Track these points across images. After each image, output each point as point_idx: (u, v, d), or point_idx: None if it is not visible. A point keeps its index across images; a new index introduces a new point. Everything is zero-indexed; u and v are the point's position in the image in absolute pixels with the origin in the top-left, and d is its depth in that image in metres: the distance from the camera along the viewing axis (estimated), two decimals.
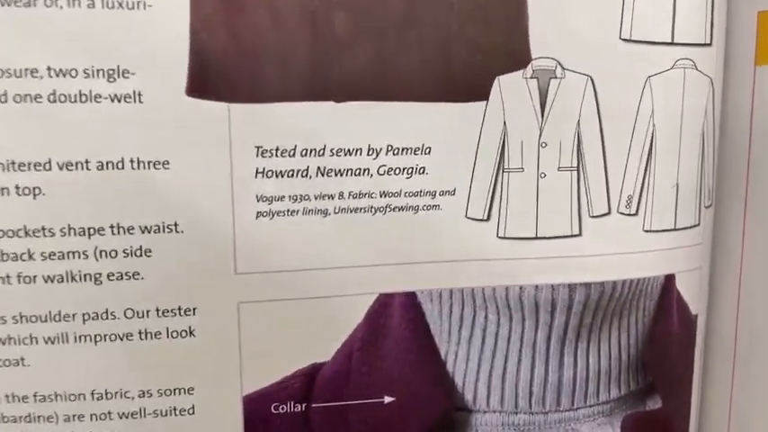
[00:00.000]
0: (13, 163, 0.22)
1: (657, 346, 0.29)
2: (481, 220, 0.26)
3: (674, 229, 0.28)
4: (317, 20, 0.23)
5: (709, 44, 0.28)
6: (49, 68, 0.22)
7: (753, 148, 0.29)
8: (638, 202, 0.27)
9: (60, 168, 0.22)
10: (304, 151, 0.24)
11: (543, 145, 0.26)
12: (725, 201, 0.30)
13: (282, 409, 0.26)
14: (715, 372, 0.31)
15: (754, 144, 0.29)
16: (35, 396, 0.23)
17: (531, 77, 0.25)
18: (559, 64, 0.26)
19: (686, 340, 0.30)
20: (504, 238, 0.26)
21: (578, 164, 0.27)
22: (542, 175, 0.26)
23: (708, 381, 0.31)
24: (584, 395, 0.28)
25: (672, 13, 0.27)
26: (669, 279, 0.29)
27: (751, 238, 0.29)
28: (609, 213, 0.27)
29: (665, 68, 0.27)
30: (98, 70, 0.22)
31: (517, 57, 0.25)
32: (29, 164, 0.22)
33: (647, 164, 0.27)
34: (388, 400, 0.26)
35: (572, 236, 0.27)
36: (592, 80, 0.26)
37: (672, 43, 0.27)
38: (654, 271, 0.28)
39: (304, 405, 0.26)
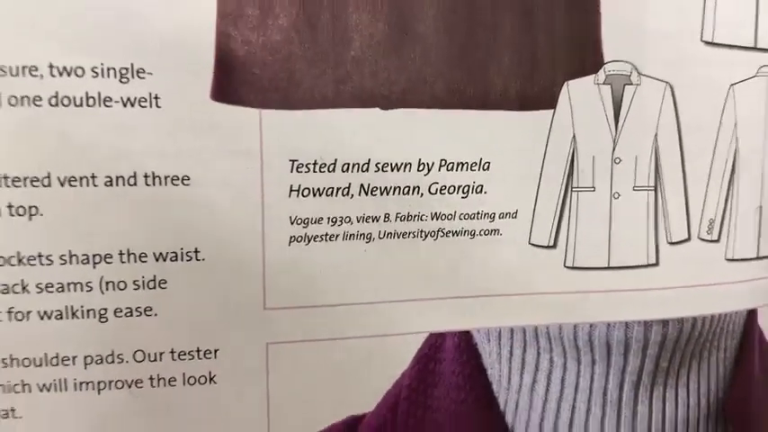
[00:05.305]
0: (6, 177, 0.20)
1: (740, 393, 0.27)
2: (547, 246, 0.24)
3: (757, 258, 0.26)
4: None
5: None
6: (50, 66, 0.20)
7: None
8: (721, 227, 0.25)
9: (61, 184, 0.20)
10: (345, 166, 0.22)
11: (617, 161, 0.24)
12: None
13: None
14: None
15: None
16: None
17: (604, 83, 0.23)
18: (635, 68, 0.24)
19: None
20: (573, 267, 0.24)
21: (656, 183, 0.25)
22: (616, 196, 0.24)
23: None
24: None
25: (755, 13, 0.25)
26: (751, 315, 0.27)
27: None
28: (689, 239, 0.25)
29: (748, 76, 0.25)
30: (108, 69, 0.20)
31: (588, 59, 0.23)
32: (24, 178, 0.20)
33: (729, 183, 0.25)
34: None
35: (648, 265, 0.25)
36: (671, 87, 0.24)
37: (755, 48, 0.25)
38: (737, 305, 0.26)
39: None
